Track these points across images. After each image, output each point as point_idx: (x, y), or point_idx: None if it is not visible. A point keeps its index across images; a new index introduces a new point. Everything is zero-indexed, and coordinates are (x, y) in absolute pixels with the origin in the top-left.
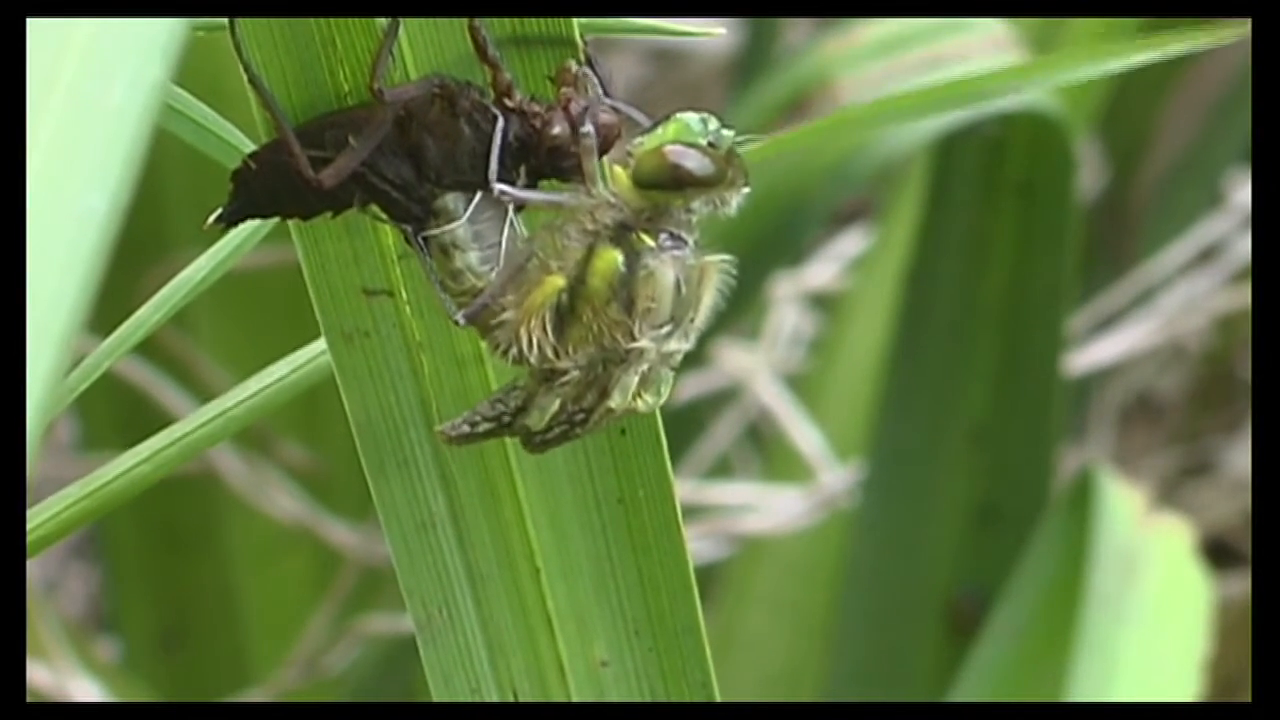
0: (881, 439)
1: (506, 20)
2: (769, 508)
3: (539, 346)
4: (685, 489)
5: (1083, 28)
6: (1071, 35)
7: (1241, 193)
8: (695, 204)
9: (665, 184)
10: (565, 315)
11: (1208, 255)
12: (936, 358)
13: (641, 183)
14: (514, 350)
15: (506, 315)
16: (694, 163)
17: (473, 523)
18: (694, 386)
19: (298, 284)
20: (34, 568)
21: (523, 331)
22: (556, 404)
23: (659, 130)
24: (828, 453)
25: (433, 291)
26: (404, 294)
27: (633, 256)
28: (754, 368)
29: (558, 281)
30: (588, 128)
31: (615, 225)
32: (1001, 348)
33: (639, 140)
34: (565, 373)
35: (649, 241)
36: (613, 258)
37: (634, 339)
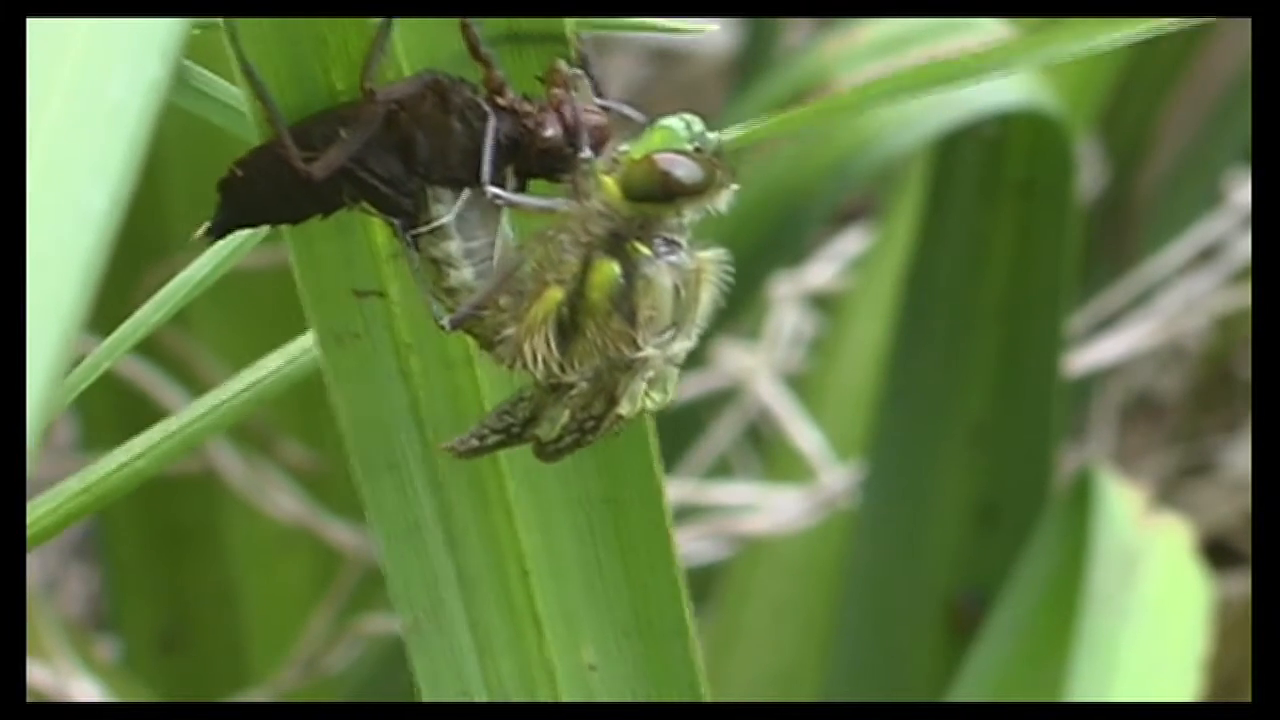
0: (881, 439)
1: (500, 19)
2: (769, 508)
3: (544, 362)
4: (685, 489)
5: (1083, 28)
6: (1071, 35)
7: (1241, 193)
8: (687, 211)
9: (656, 196)
10: (567, 330)
11: (1208, 255)
12: (936, 358)
13: (632, 195)
14: (519, 365)
15: (508, 331)
16: (683, 171)
17: (461, 525)
18: (694, 386)
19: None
20: (34, 567)
21: (526, 348)
22: (566, 414)
23: (644, 139)
24: (828, 453)
25: (420, 294)
26: (394, 295)
27: (630, 267)
28: (754, 368)
29: (556, 295)
30: (587, 153)
31: (608, 235)
32: (1001, 348)
33: (624, 149)
34: (573, 385)
35: (644, 250)
36: (610, 270)
37: (638, 348)
